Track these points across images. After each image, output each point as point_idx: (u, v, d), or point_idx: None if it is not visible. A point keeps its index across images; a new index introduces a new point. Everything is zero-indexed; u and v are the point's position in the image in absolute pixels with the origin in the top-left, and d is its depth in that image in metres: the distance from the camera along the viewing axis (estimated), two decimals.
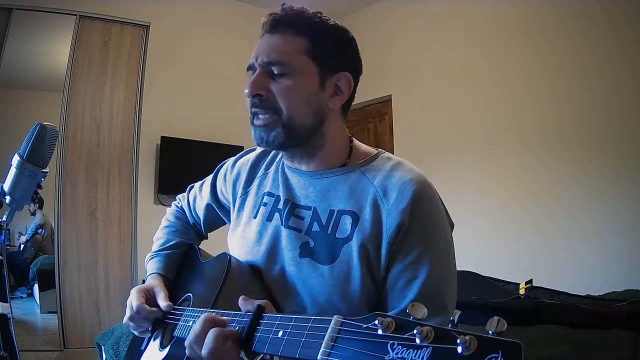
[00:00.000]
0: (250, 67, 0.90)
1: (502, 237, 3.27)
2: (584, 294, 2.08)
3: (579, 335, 1.55)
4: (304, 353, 0.56)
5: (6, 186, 1.26)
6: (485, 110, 3.47)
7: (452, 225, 0.90)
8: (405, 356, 0.45)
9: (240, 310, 0.73)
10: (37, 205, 3.58)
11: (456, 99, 3.64)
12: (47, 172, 1.28)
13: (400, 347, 0.46)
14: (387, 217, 0.82)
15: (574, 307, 1.69)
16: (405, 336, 0.47)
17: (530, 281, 2.07)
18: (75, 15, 3.60)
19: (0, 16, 3.35)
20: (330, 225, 0.87)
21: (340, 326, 0.54)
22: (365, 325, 0.51)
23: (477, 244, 3.14)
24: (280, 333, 0.61)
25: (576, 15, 3.02)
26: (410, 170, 0.88)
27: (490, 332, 0.43)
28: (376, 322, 0.49)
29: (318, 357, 0.53)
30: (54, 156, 1.59)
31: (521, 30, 3.29)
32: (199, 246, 1.17)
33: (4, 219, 1.31)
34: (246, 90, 0.87)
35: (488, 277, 2.25)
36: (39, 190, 1.29)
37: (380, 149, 0.96)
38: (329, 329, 0.54)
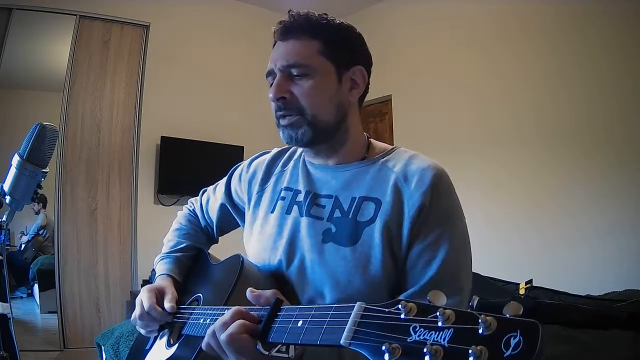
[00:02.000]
0: (270, 73, 0.95)
1: (502, 237, 3.27)
2: (584, 294, 2.08)
3: (579, 335, 1.55)
4: (327, 339, 0.57)
5: (6, 186, 1.26)
6: (485, 110, 3.47)
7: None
8: (428, 337, 0.46)
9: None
10: (41, 204, 3.59)
11: (456, 99, 3.64)
12: (47, 172, 1.28)
13: (422, 329, 0.47)
14: (409, 199, 0.87)
15: (574, 307, 1.69)
16: (427, 318, 0.48)
17: (530, 281, 2.07)
18: (75, 15, 3.60)
19: (0, 16, 3.36)
20: (352, 210, 0.90)
21: (363, 311, 0.55)
22: (388, 310, 0.52)
23: (477, 244, 3.12)
24: (300, 322, 0.62)
25: (576, 16, 3.02)
26: (426, 159, 0.93)
27: (507, 315, 0.44)
28: (399, 306, 0.51)
29: (341, 341, 0.54)
30: (54, 156, 1.59)
31: (521, 31, 3.29)
32: (209, 250, 1.17)
33: (4, 219, 1.31)
34: (270, 95, 0.92)
35: (488, 277, 2.25)
36: (39, 190, 1.29)
37: (396, 145, 1.02)
38: (352, 314, 0.55)
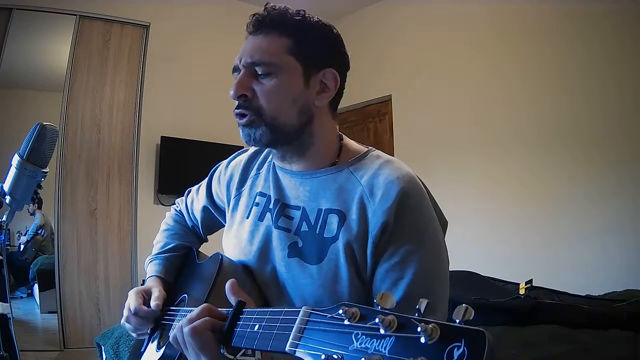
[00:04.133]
0: (235, 69, 0.90)
1: (501, 237, 3.27)
2: (584, 294, 2.08)
3: (579, 335, 1.55)
4: (275, 345, 0.56)
5: (6, 186, 1.26)
6: (484, 110, 3.47)
7: (445, 224, 0.89)
8: (369, 346, 0.44)
9: (230, 307, 0.73)
10: (37, 205, 3.58)
11: (456, 99, 3.64)
12: (47, 172, 1.28)
13: (364, 336, 0.45)
14: (373, 216, 0.82)
15: (574, 307, 1.69)
16: (368, 325, 0.46)
17: (530, 281, 2.07)
18: (75, 15, 3.60)
19: (0, 16, 3.36)
20: (319, 224, 0.86)
21: (308, 317, 0.54)
22: (330, 315, 0.50)
23: (477, 244, 3.14)
24: (257, 327, 0.61)
25: (575, 15, 3.02)
26: (397, 169, 0.86)
27: (457, 320, 0.41)
28: (340, 311, 0.49)
29: (286, 349, 0.53)
30: (54, 156, 1.59)
31: (520, 31, 3.29)
32: (199, 249, 1.17)
33: (4, 219, 1.31)
34: (231, 92, 0.87)
35: (488, 277, 2.25)
36: (39, 190, 1.29)
37: (370, 147, 0.95)
38: (297, 320, 0.54)
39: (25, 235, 3.71)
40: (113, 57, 3.75)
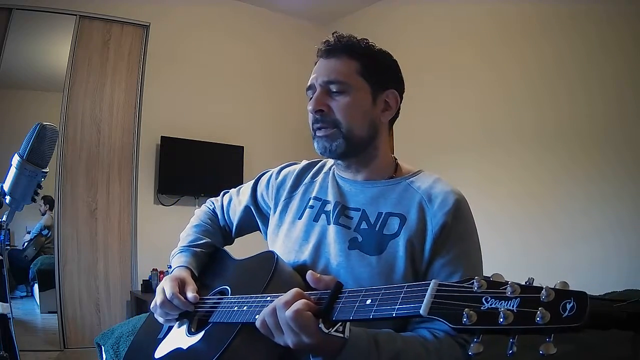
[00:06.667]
0: (310, 87, 1.04)
1: (501, 237, 3.27)
2: None
3: (579, 335, 1.55)
4: (404, 310, 0.64)
5: (6, 186, 1.26)
6: (485, 110, 3.47)
7: None
8: (498, 305, 0.56)
9: None
10: (47, 205, 3.59)
11: (456, 99, 3.64)
12: (47, 172, 1.28)
13: (493, 299, 0.57)
14: (432, 218, 0.95)
15: None
16: (498, 290, 0.57)
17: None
18: (75, 15, 3.60)
19: (0, 16, 3.36)
20: (379, 224, 0.98)
21: (438, 287, 0.62)
22: (463, 285, 0.60)
23: None
24: (369, 301, 0.69)
25: (576, 15, 3.02)
26: (448, 184, 1.03)
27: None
28: (473, 281, 0.59)
29: (421, 311, 0.61)
30: (54, 156, 1.59)
31: (521, 31, 3.29)
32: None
33: (4, 219, 1.31)
34: (309, 107, 1.01)
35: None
36: (39, 190, 1.29)
37: (421, 169, 1.10)
38: (429, 289, 0.63)
39: (29, 233, 3.72)
40: (113, 57, 3.75)
